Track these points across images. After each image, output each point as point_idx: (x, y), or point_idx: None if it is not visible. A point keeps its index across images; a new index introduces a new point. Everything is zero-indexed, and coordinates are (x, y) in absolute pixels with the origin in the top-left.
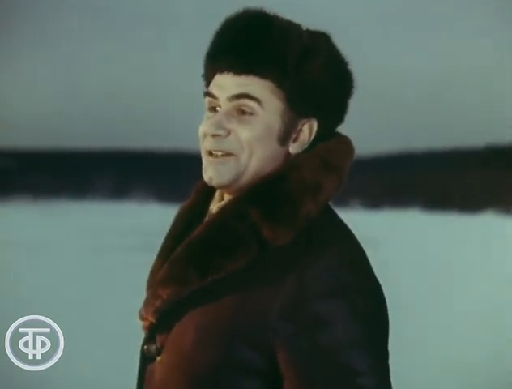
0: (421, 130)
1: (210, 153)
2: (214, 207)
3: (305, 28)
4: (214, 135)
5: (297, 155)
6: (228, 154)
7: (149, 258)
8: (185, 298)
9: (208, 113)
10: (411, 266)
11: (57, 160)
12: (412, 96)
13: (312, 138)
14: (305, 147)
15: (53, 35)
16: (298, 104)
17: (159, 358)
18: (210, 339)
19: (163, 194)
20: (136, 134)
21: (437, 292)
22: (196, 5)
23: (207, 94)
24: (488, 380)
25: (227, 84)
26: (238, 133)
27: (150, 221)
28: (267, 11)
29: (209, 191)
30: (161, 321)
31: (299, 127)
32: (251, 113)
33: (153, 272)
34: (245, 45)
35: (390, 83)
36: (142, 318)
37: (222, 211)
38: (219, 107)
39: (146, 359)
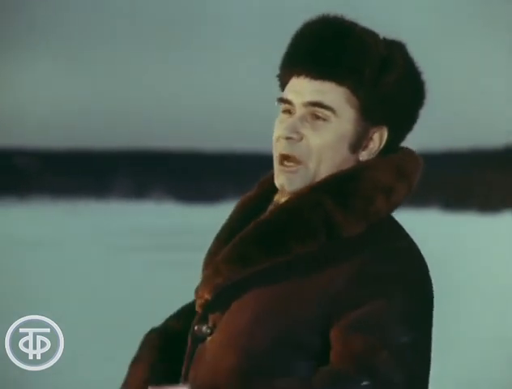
0: (441, 130)
1: (281, 162)
2: (280, 198)
3: (381, 37)
4: (287, 138)
5: (370, 159)
6: (297, 162)
7: (159, 258)
8: (246, 277)
9: (282, 116)
10: (430, 265)
11: (76, 160)
12: (432, 96)
13: (382, 146)
14: (374, 155)
15: (76, 35)
16: (372, 113)
17: (210, 338)
18: (269, 317)
19: (180, 195)
20: (154, 135)
21: (455, 292)
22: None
23: (282, 100)
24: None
25: (303, 89)
26: (310, 139)
27: (167, 221)
28: (346, 18)
29: (272, 186)
30: (218, 298)
31: (369, 135)
32: (325, 119)
33: (210, 253)
34: (323, 51)
35: None
36: (198, 296)
37: (295, 197)
38: (294, 111)
39: (195, 339)
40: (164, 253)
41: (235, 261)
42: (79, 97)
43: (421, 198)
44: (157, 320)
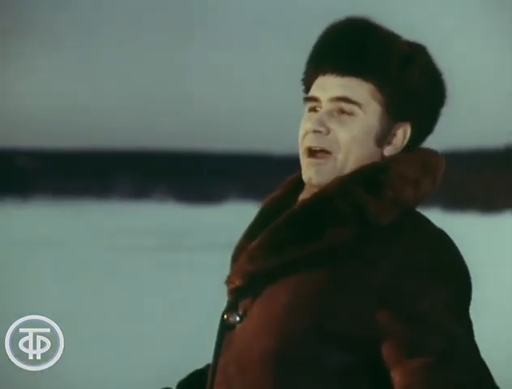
0: (441, 130)
1: (309, 153)
2: (305, 196)
3: (403, 39)
4: (315, 131)
5: (396, 154)
6: (325, 152)
7: (160, 259)
8: (279, 264)
9: (308, 114)
10: None
11: (78, 160)
12: None
13: (405, 142)
14: (398, 151)
15: (76, 36)
16: (396, 109)
17: (239, 325)
18: (304, 303)
19: (181, 195)
20: (155, 135)
21: None
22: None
23: (308, 99)
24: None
25: (329, 85)
26: (337, 133)
27: (167, 221)
28: (370, 20)
29: (297, 185)
30: (250, 284)
31: (393, 131)
32: (351, 114)
33: (238, 249)
34: (350, 48)
35: None
36: (229, 281)
37: (326, 188)
38: (320, 108)
39: (225, 327)
40: (164, 253)
41: (268, 248)
42: (79, 97)
43: None
44: (157, 320)
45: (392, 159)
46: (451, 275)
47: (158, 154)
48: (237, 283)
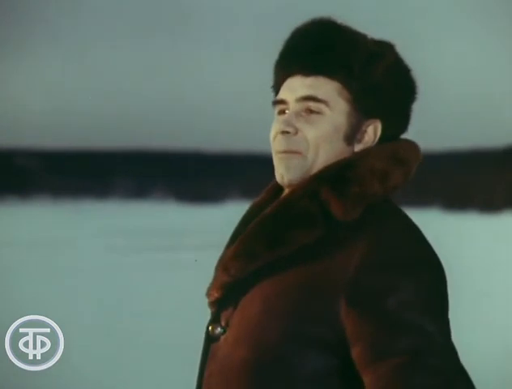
0: (441, 130)
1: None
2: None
3: (370, 38)
4: (283, 132)
5: (365, 149)
6: (295, 153)
7: (159, 259)
8: (253, 272)
9: (277, 117)
10: None
11: (78, 160)
12: (432, 96)
13: (376, 139)
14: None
15: (75, 36)
16: (364, 106)
17: (223, 337)
18: (277, 309)
19: (181, 195)
20: (156, 135)
21: (455, 292)
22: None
23: (277, 102)
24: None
25: (295, 86)
26: (306, 132)
27: (167, 221)
28: (335, 20)
29: (278, 190)
30: (227, 296)
31: (363, 128)
32: (319, 113)
33: (221, 258)
34: (314, 48)
35: None
36: (208, 294)
37: (293, 190)
38: (289, 109)
39: (210, 339)
40: (164, 253)
41: (241, 257)
42: (79, 97)
43: (421, 198)
44: (157, 320)
45: (362, 153)
46: (421, 271)
47: (158, 154)
48: (216, 295)
